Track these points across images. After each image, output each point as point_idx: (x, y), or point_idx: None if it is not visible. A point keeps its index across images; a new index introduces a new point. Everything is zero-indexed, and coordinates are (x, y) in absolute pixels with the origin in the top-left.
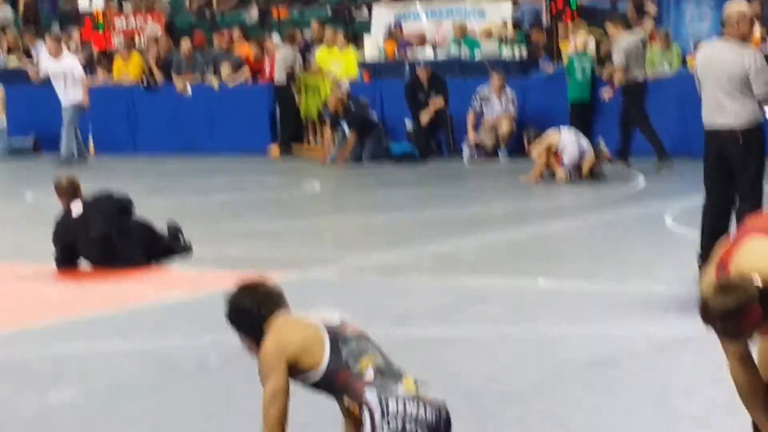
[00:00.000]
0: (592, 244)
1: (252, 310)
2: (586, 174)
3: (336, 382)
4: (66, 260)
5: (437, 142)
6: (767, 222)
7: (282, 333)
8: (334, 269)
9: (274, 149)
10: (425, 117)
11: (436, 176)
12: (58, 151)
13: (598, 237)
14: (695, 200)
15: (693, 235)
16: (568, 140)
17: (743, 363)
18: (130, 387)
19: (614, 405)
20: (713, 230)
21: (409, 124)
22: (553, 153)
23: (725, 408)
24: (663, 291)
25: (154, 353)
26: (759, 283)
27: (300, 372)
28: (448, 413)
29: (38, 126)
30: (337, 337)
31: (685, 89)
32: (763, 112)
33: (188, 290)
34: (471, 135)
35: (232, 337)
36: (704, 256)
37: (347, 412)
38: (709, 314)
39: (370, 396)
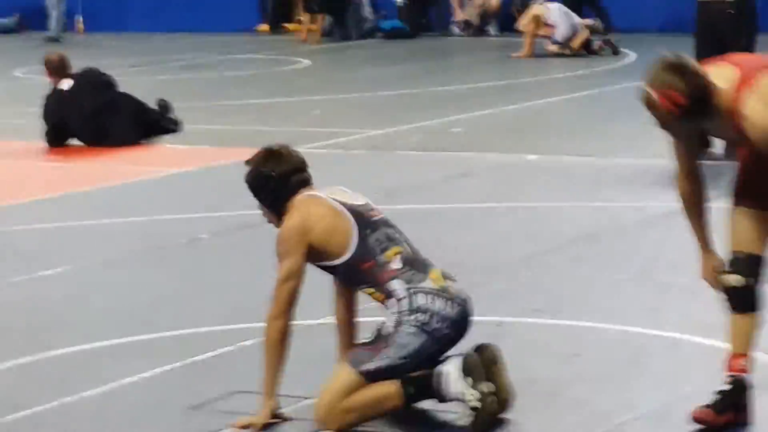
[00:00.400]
0: (580, 119)
1: (277, 179)
2: (578, 48)
3: (359, 271)
4: (57, 138)
5: (428, 17)
6: None
7: (308, 214)
8: (323, 144)
9: (263, 26)
10: None
11: (426, 52)
12: (43, 29)
13: (586, 111)
14: None
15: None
16: (557, 16)
17: (687, 176)
18: (121, 261)
19: (602, 277)
20: None
21: (399, 0)
22: (543, 24)
23: None
24: (650, 165)
25: (146, 229)
26: (709, 84)
27: (321, 257)
28: (471, 308)
29: (22, 5)
30: (364, 224)
31: None
32: None
33: (178, 166)
34: (457, 12)
35: (222, 212)
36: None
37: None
38: (647, 80)
39: (397, 285)
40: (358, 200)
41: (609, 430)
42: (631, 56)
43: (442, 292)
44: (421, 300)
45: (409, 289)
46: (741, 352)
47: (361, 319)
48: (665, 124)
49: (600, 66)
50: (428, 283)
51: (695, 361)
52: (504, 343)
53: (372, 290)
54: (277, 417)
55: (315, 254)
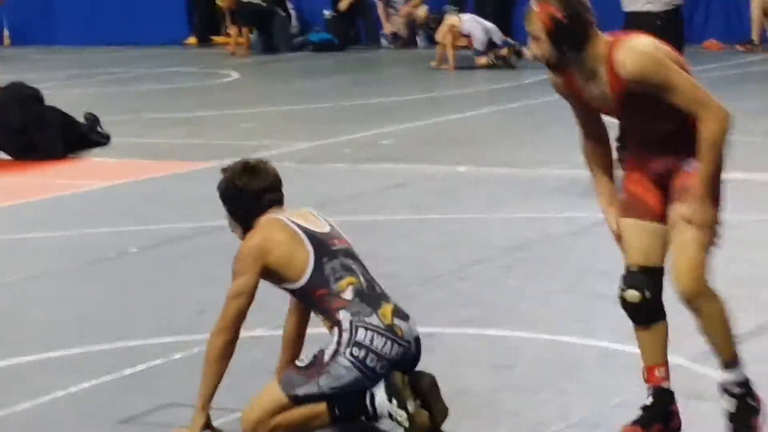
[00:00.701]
0: (509, 131)
1: (250, 195)
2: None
3: (312, 296)
4: None
5: (356, 30)
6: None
7: (268, 237)
8: (252, 156)
9: (192, 39)
10: (344, 4)
11: (355, 65)
12: None
13: (515, 123)
14: None
15: (611, 121)
16: (471, 25)
17: (587, 136)
18: (51, 275)
19: (534, 287)
20: None
21: (327, 12)
22: (459, 36)
23: None
24: (581, 176)
25: (75, 242)
26: (587, 15)
27: (278, 280)
28: (418, 348)
29: None
30: (322, 252)
31: None
32: None
33: (107, 179)
34: (385, 24)
35: (151, 226)
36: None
37: (295, 307)
38: None
39: (343, 317)
40: (323, 228)
41: None
42: None
43: (385, 331)
44: (360, 335)
45: (352, 322)
46: (654, 364)
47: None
48: (544, 56)
49: (526, 78)
50: (374, 319)
51: (627, 370)
52: (436, 354)
53: (322, 317)
54: (208, 429)
55: (272, 276)
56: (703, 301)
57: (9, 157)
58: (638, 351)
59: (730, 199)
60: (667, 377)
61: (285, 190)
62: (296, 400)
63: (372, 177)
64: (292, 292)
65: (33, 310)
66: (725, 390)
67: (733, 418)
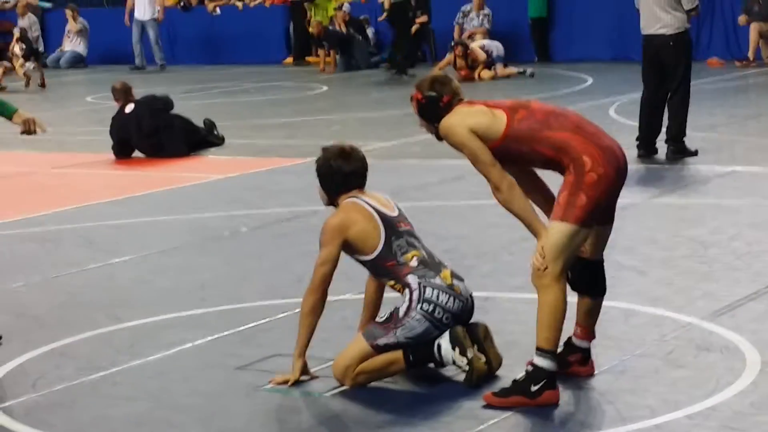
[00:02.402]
0: None
1: (339, 174)
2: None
3: (383, 267)
4: (121, 152)
5: (422, 52)
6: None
7: (348, 216)
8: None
9: (289, 59)
10: (412, 30)
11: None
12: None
13: None
14: (633, 96)
15: (632, 124)
16: (483, 43)
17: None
18: (176, 250)
19: None
20: (649, 119)
21: None
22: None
23: (659, 261)
24: None
25: (195, 224)
26: (444, 97)
27: (355, 252)
28: (473, 303)
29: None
30: (391, 231)
31: (621, 2)
32: (689, 21)
33: (222, 173)
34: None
35: (258, 210)
36: (641, 140)
37: (373, 279)
38: None
39: (412, 280)
40: (393, 211)
41: (576, 383)
42: (588, 80)
43: (448, 289)
44: (428, 293)
45: (420, 282)
46: (576, 323)
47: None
48: (425, 129)
49: (562, 89)
50: (437, 281)
51: (646, 327)
52: (491, 314)
53: (392, 282)
54: (306, 374)
55: (350, 248)
56: (541, 288)
57: (143, 155)
58: (654, 311)
59: (731, 188)
60: (575, 334)
61: (368, 180)
62: (377, 349)
63: (436, 170)
64: (364, 263)
65: (163, 278)
66: (528, 364)
67: (512, 384)
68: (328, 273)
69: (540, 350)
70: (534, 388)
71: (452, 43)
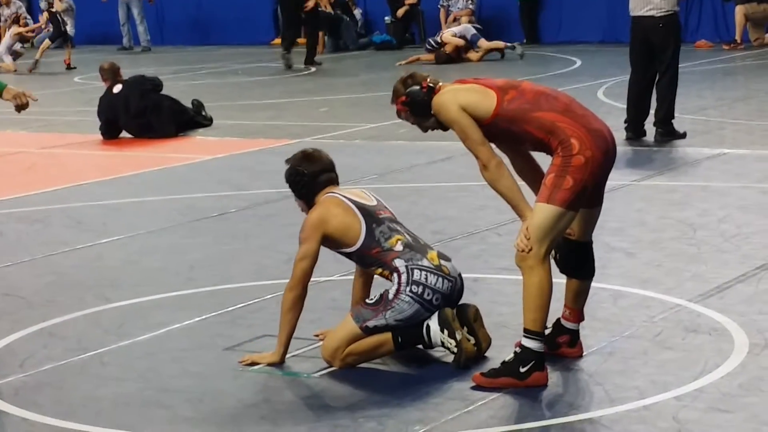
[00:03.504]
0: None
1: (309, 177)
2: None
3: (369, 256)
4: (109, 132)
5: (411, 33)
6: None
7: (326, 211)
8: (329, 135)
9: (277, 41)
10: (400, 11)
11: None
12: (84, 44)
13: None
14: (622, 79)
15: (620, 106)
16: (454, 31)
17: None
18: (164, 231)
19: None
20: (636, 99)
21: (388, 18)
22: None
23: (648, 243)
24: None
25: (185, 204)
26: (423, 89)
27: (337, 246)
28: (462, 283)
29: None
30: (371, 220)
31: None
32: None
33: (210, 154)
34: (444, 27)
35: (246, 191)
36: (629, 123)
37: (360, 273)
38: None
39: (399, 263)
40: (371, 201)
41: (565, 364)
42: (577, 62)
43: (436, 269)
44: (417, 275)
45: (407, 265)
46: (564, 304)
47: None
48: (413, 123)
49: (551, 71)
50: (424, 262)
51: (635, 308)
52: (480, 296)
53: (380, 270)
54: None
55: (331, 243)
56: (525, 270)
57: (131, 136)
58: (643, 293)
59: (720, 170)
60: (564, 316)
61: (354, 162)
62: (366, 331)
63: (424, 152)
64: (349, 255)
65: (151, 259)
66: (516, 345)
67: (501, 366)
68: (308, 268)
69: (527, 332)
70: (523, 370)
71: (427, 45)
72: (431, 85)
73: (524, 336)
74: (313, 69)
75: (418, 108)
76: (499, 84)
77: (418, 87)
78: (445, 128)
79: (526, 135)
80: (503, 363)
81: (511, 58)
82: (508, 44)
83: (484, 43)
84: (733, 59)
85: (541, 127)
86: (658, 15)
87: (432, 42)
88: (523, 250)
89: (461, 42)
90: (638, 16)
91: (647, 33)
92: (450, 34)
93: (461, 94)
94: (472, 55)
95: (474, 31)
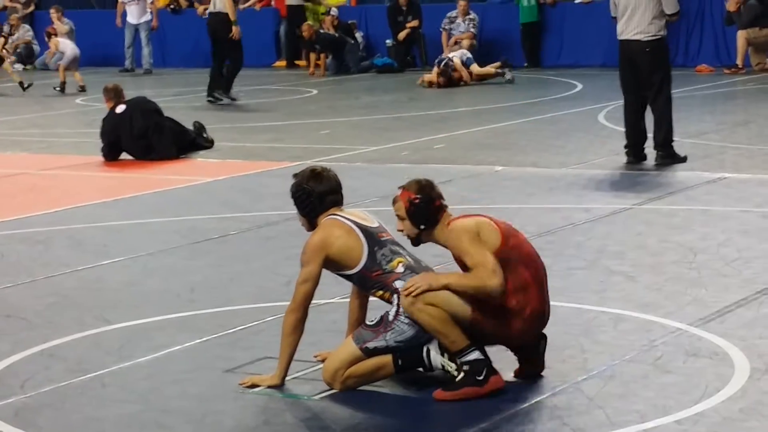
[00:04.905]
0: (538, 137)
1: (315, 196)
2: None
3: (369, 279)
4: (111, 153)
5: (412, 56)
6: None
7: (329, 233)
8: (330, 158)
9: (280, 63)
10: (402, 35)
11: (412, 83)
12: (86, 65)
13: (543, 131)
14: (622, 102)
15: (620, 130)
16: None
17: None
18: (165, 253)
19: (559, 264)
20: (632, 123)
21: (389, 41)
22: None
23: (648, 267)
24: (597, 174)
25: (186, 225)
26: (437, 202)
27: (338, 268)
28: None
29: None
30: (373, 242)
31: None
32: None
33: (211, 176)
34: (446, 51)
35: (247, 213)
36: (630, 147)
37: (357, 295)
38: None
39: (400, 285)
40: (373, 223)
41: (566, 387)
42: (578, 86)
43: None
44: None
45: None
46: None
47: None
48: (407, 233)
49: (552, 94)
50: None
51: (635, 332)
52: None
53: (381, 292)
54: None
55: (333, 265)
56: (416, 313)
57: (132, 158)
58: (644, 316)
59: (720, 195)
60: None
61: (357, 184)
62: (366, 352)
63: (426, 174)
64: (349, 277)
65: (152, 280)
66: (461, 365)
67: (459, 381)
68: (310, 291)
69: (460, 353)
70: (480, 378)
71: (436, 61)
72: (443, 203)
73: (460, 358)
74: (225, 101)
75: (418, 215)
76: (504, 227)
77: (431, 198)
78: (419, 243)
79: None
80: (459, 380)
81: (501, 81)
82: (499, 70)
83: (475, 68)
84: (734, 83)
85: (515, 282)
86: (645, 39)
87: (443, 62)
88: (409, 297)
89: (465, 74)
90: (625, 39)
91: (634, 56)
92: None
93: (485, 228)
94: (466, 76)
95: (469, 55)
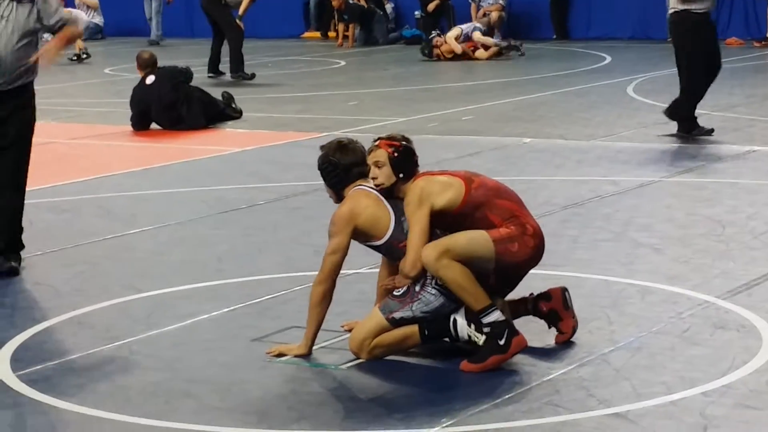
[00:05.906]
0: (566, 109)
1: (342, 168)
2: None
3: (397, 249)
4: (140, 123)
5: (441, 27)
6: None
7: (357, 203)
8: (358, 129)
9: (307, 34)
10: (431, 6)
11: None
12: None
13: (571, 103)
14: (651, 75)
15: (650, 102)
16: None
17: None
18: (193, 222)
19: (586, 237)
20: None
21: (418, 13)
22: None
23: (676, 240)
24: (625, 146)
25: (214, 195)
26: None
27: (366, 239)
28: None
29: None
30: (400, 212)
31: None
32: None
33: (239, 146)
34: (475, 21)
35: (275, 183)
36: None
37: (386, 266)
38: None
39: None
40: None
41: (593, 359)
42: (607, 59)
43: None
44: None
45: None
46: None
47: None
48: (383, 182)
49: (580, 67)
50: None
51: (662, 304)
52: None
53: None
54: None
55: (362, 236)
56: (440, 270)
57: (161, 128)
58: (671, 288)
59: (749, 168)
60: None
61: None
62: (393, 322)
63: (453, 146)
64: (377, 248)
65: (180, 250)
66: (480, 329)
67: (483, 349)
68: (338, 262)
69: (480, 312)
70: (501, 342)
71: (431, 37)
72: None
73: (481, 318)
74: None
75: (401, 162)
76: (463, 174)
77: (413, 149)
78: (391, 195)
79: (483, 220)
80: (482, 347)
81: (515, 54)
82: (509, 44)
83: (479, 36)
84: (764, 56)
85: (501, 214)
86: (670, 12)
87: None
88: (430, 259)
89: (458, 49)
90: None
91: (668, 29)
92: (454, 36)
93: (436, 186)
94: (480, 53)
95: (473, 28)
